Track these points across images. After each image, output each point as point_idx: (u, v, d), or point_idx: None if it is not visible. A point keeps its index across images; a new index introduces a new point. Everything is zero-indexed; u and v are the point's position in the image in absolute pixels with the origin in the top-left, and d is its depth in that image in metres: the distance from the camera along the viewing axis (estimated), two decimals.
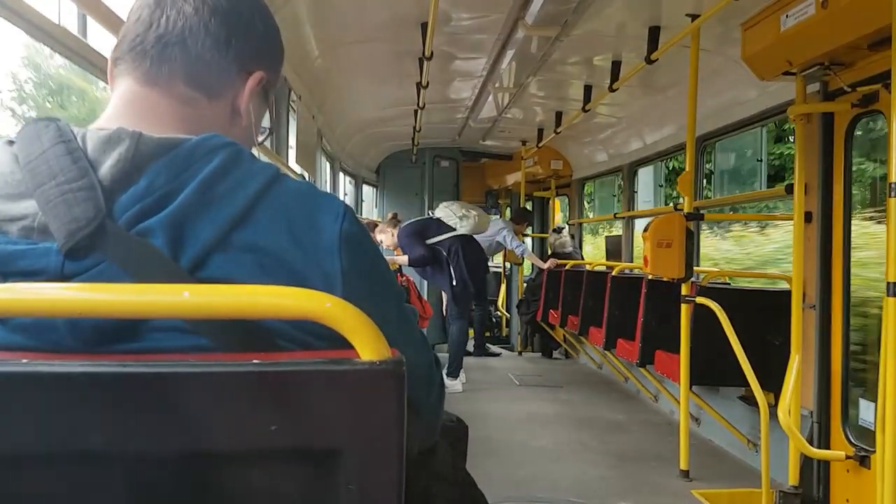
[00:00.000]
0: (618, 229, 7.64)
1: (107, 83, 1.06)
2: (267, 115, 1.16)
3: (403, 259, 6.62)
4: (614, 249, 7.61)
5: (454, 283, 6.63)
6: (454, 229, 6.66)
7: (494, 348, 8.80)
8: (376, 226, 6.95)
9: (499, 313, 9.95)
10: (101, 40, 2.29)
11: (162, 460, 0.77)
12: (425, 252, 6.57)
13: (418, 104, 6.09)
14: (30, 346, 0.83)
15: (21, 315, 0.80)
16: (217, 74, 1.02)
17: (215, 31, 1.01)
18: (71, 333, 0.82)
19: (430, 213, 7.38)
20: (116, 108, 1.00)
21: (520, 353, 8.87)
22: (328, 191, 5.84)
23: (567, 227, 8.78)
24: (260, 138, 1.16)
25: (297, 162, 5.00)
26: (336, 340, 0.76)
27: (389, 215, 7.09)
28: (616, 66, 4.99)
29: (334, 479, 0.77)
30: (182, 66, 1.00)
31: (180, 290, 0.74)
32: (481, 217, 6.82)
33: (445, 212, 6.78)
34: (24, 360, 0.75)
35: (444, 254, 6.62)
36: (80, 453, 0.76)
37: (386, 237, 6.77)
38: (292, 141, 4.90)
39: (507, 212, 10.50)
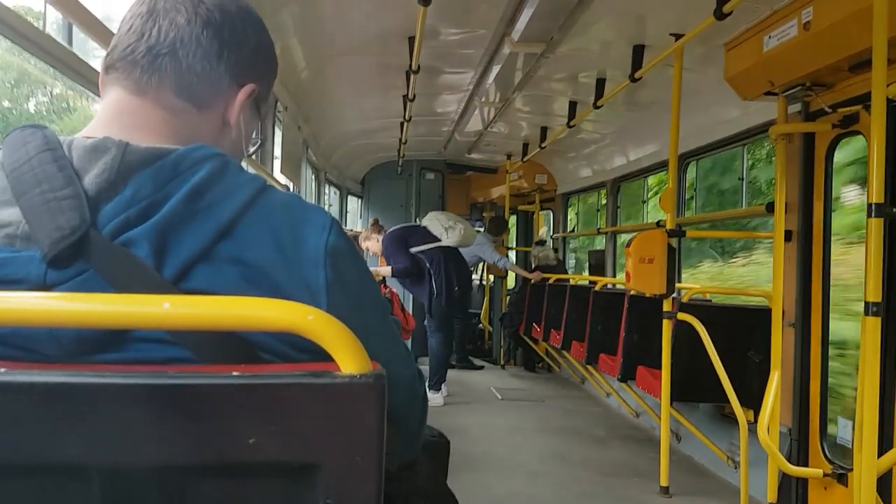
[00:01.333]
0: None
1: (93, 93, 1.06)
2: (258, 127, 1.16)
3: (387, 270, 6.61)
4: (597, 264, 7.64)
5: (435, 295, 6.61)
6: (439, 239, 6.65)
7: (477, 361, 8.79)
8: (355, 237, 6.92)
9: (482, 326, 9.95)
10: (87, 48, 2.28)
11: (139, 472, 0.76)
12: (409, 264, 6.56)
13: (404, 117, 6.11)
14: (9, 354, 0.82)
15: (1, 324, 0.79)
16: (207, 86, 1.02)
17: (207, 43, 1.01)
18: (51, 343, 0.82)
19: (417, 220, 7.31)
20: (105, 117, 1.00)
21: (502, 367, 8.86)
22: (313, 202, 5.83)
23: (550, 240, 8.81)
24: (251, 149, 1.16)
25: (282, 172, 4.99)
26: (318, 353, 0.76)
27: (371, 221, 7.05)
28: (601, 83, 5.04)
29: (312, 494, 0.77)
30: (172, 76, 1.00)
31: (160, 302, 0.74)
32: (467, 230, 6.79)
33: (432, 222, 6.74)
34: (3, 370, 0.75)
35: (427, 265, 6.61)
36: (57, 464, 0.75)
37: (371, 244, 6.74)
38: (277, 152, 4.90)
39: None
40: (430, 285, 6.61)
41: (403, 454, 1.09)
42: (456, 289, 6.65)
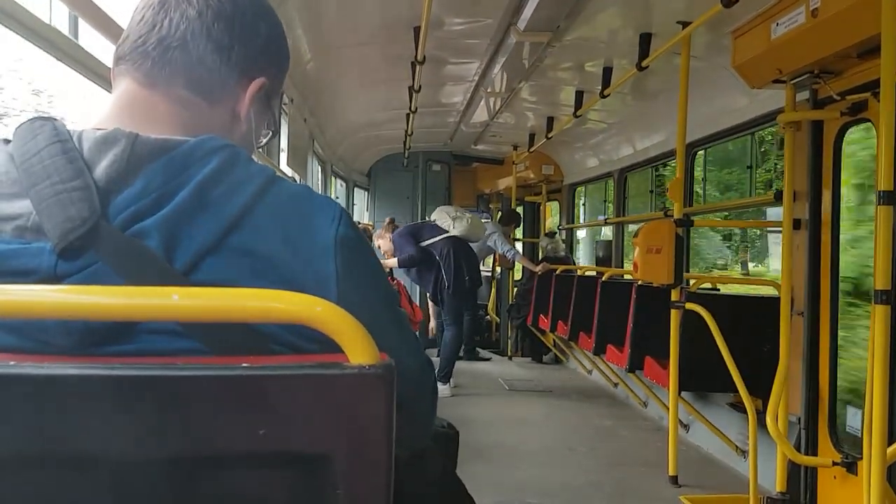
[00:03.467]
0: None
1: (98, 84, 1.06)
2: (270, 119, 1.15)
3: (392, 262, 6.64)
4: (605, 254, 7.62)
5: (446, 287, 6.62)
6: (447, 231, 6.65)
7: (485, 353, 8.80)
8: (366, 230, 6.94)
9: (489, 318, 9.95)
10: (94, 41, 2.28)
11: (150, 464, 0.77)
12: (415, 253, 6.58)
13: (410, 108, 6.10)
14: (19, 346, 0.82)
15: (11, 316, 0.79)
16: (217, 79, 1.02)
17: (218, 35, 1.00)
18: (62, 334, 0.82)
19: (426, 216, 7.34)
20: (115, 109, 1.00)
21: (510, 358, 8.87)
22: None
23: (559, 231, 8.79)
24: (264, 140, 1.15)
25: (289, 165, 5.00)
26: (328, 344, 0.76)
27: (387, 220, 7.07)
28: (607, 72, 5.01)
29: (323, 484, 0.77)
30: (182, 69, 0.99)
31: (170, 293, 0.74)
32: (475, 220, 6.82)
33: (440, 214, 6.81)
34: (12, 362, 0.75)
35: (437, 256, 6.61)
36: (68, 456, 0.75)
37: (384, 242, 6.77)
38: (284, 144, 4.90)
39: (498, 216, 10.52)
40: (439, 277, 6.63)
41: (413, 443, 1.09)
42: (466, 279, 6.65)
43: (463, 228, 6.65)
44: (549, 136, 7.00)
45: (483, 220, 8.31)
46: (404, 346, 0.99)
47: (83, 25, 2.24)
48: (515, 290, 9.13)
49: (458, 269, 6.60)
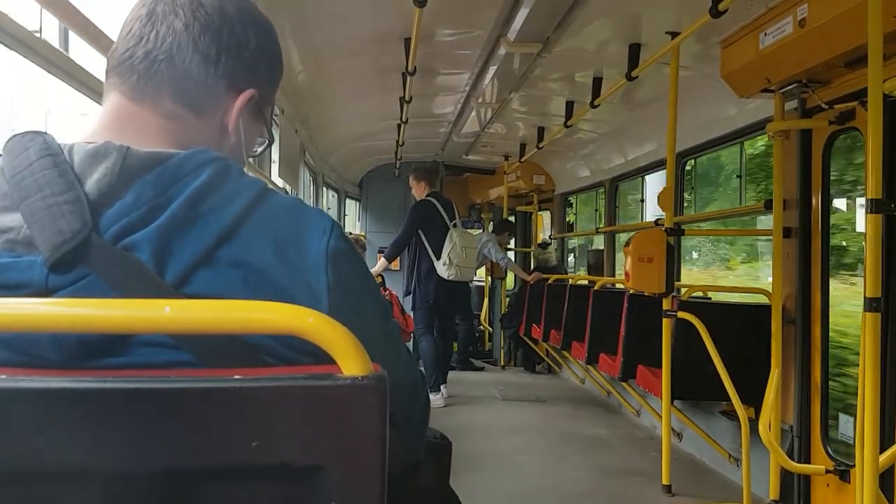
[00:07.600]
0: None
1: (89, 97, 1.06)
2: (263, 130, 1.15)
3: (382, 264, 6.62)
4: (596, 264, 7.64)
5: (412, 287, 6.56)
6: (449, 227, 6.47)
7: (477, 363, 8.79)
8: (358, 241, 6.92)
9: (481, 327, 9.94)
10: (83, 53, 2.28)
11: (142, 477, 0.76)
12: (400, 246, 6.55)
13: (401, 118, 6.11)
14: (11, 360, 0.82)
15: (2, 330, 0.79)
16: (204, 91, 1.01)
17: (204, 47, 1.00)
18: (53, 348, 0.82)
19: (457, 220, 6.85)
20: (104, 122, 1.00)
21: (503, 368, 8.86)
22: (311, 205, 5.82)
23: (552, 242, 8.80)
24: (258, 150, 1.15)
25: (280, 176, 5.00)
26: (320, 356, 0.76)
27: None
28: (597, 82, 5.03)
29: (316, 497, 0.77)
30: (169, 82, 0.99)
31: (162, 306, 0.74)
32: (463, 275, 6.55)
33: (452, 238, 6.44)
34: (4, 376, 0.74)
35: (416, 253, 6.53)
36: (60, 470, 0.75)
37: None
38: (275, 155, 4.90)
39: (490, 226, 10.54)
40: (408, 277, 6.61)
41: (406, 456, 1.09)
42: (431, 292, 6.49)
43: (445, 274, 6.40)
44: (540, 146, 7.02)
45: (475, 232, 8.28)
46: (396, 359, 0.99)
47: (73, 38, 2.24)
48: (508, 299, 9.13)
49: (424, 279, 6.48)
